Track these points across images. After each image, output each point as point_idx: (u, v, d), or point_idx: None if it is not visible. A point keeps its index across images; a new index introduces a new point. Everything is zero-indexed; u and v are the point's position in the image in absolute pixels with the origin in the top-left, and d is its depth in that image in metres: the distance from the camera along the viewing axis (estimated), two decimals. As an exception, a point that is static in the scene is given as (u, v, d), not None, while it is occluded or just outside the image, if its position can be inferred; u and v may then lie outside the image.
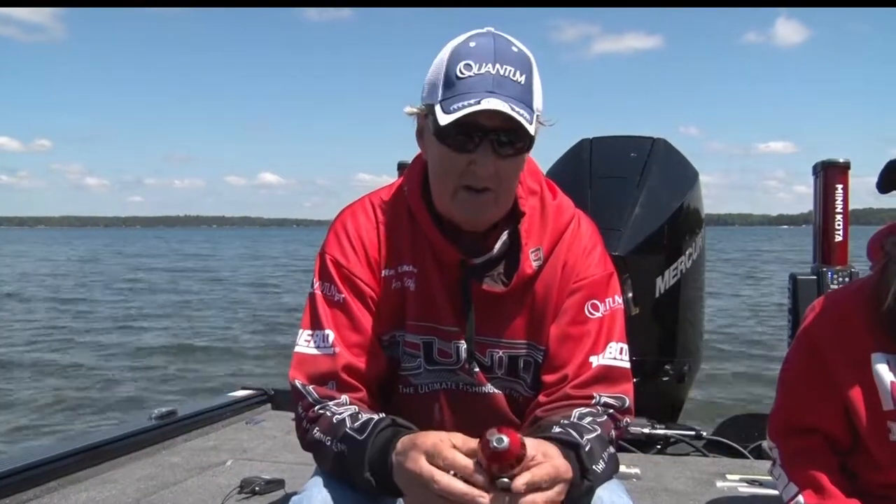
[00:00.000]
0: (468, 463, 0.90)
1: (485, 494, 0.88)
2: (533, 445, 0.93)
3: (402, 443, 0.99)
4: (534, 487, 0.90)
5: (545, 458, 0.93)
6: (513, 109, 1.06)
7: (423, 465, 0.92)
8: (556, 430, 1.06)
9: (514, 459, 0.88)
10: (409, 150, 1.31)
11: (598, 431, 1.09)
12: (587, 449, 1.04)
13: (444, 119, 1.07)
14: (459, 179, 1.13)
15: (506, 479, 0.89)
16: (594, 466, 1.04)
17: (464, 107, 1.06)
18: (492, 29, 1.14)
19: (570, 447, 1.01)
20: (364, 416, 1.09)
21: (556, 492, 0.93)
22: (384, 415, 1.10)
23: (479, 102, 1.05)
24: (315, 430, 1.13)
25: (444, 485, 0.90)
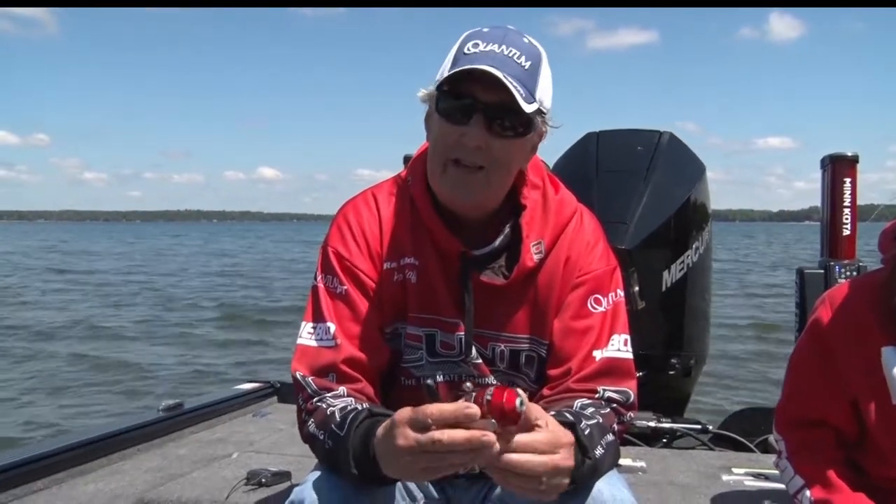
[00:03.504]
0: (457, 406, 0.86)
1: (489, 434, 0.85)
2: (535, 409, 0.92)
3: (381, 429, 0.97)
4: (530, 448, 0.89)
5: (545, 424, 0.92)
6: (509, 82, 1.06)
7: (416, 435, 0.88)
8: (553, 413, 1.05)
9: (517, 417, 0.87)
10: (410, 145, 1.31)
11: (598, 420, 1.09)
12: (586, 432, 1.03)
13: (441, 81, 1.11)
14: (450, 152, 1.14)
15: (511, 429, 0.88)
16: (594, 450, 1.03)
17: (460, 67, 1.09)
18: (510, 26, 1.17)
19: (566, 426, 0.99)
20: (349, 408, 1.09)
21: (561, 456, 0.92)
22: (365, 405, 1.09)
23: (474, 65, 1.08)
24: (311, 423, 1.14)
25: (448, 439, 0.85)
